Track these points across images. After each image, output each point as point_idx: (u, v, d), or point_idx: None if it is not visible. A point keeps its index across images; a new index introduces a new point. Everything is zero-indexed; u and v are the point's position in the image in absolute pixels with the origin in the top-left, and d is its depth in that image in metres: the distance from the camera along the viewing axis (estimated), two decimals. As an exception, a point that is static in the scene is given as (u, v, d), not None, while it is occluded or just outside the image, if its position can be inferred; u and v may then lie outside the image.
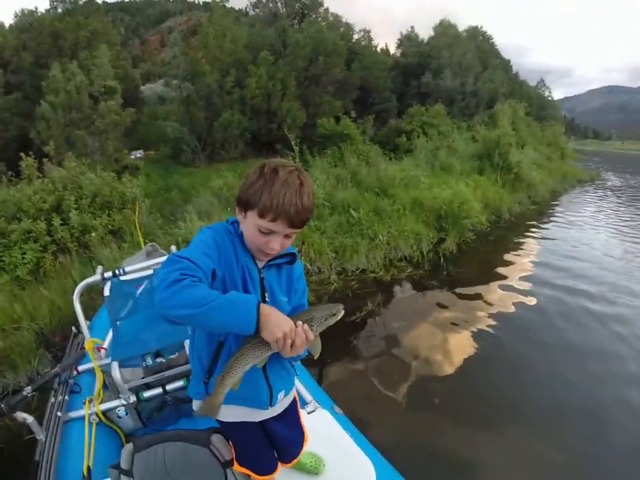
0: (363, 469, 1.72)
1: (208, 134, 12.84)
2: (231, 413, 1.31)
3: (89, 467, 1.84)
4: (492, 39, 24.78)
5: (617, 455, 2.71)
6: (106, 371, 2.44)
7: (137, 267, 2.80)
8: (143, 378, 2.51)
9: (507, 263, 6.31)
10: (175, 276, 0.96)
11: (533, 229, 8.30)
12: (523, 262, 6.32)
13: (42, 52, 12.80)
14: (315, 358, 1.15)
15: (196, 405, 1.33)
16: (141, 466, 1.35)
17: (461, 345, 3.95)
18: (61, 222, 5.37)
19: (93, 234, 5.49)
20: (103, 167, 7.48)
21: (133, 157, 11.85)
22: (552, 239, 7.59)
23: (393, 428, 2.90)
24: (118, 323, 2.70)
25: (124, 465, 1.36)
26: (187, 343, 2.43)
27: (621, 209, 11.06)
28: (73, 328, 3.18)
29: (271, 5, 17.24)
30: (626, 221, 9.46)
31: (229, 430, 1.39)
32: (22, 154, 6.60)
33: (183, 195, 8.98)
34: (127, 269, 2.77)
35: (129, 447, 1.34)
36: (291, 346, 1.01)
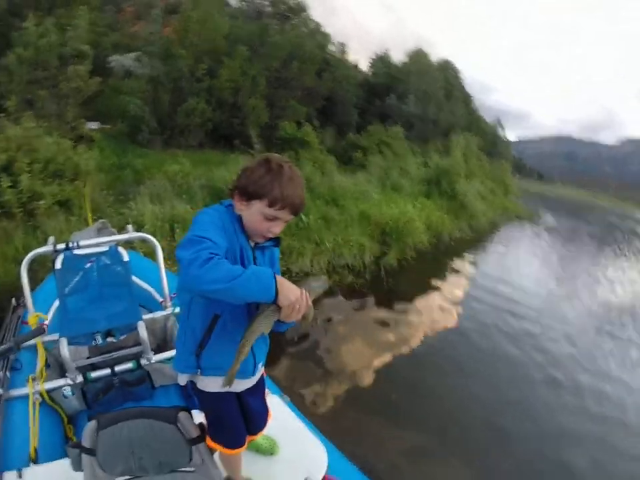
0: (315, 451, 1.80)
1: (170, 118, 12.52)
2: (213, 384, 1.39)
3: (35, 448, 1.82)
4: (459, 72, 25.96)
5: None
6: (47, 348, 2.37)
7: (92, 242, 2.75)
8: (88, 357, 2.44)
9: (442, 283, 6.75)
10: (205, 255, 1.08)
11: (470, 255, 8.84)
12: (456, 283, 6.79)
13: (18, 1, 12.13)
14: (309, 321, 1.29)
15: (182, 379, 1.43)
16: (104, 443, 1.32)
17: (386, 358, 4.18)
18: (9, 185, 5.05)
19: (42, 202, 5.22)
20: (59, 133, 7.15)
21: (88, 127, 11.28)
22: (485, 266, 8.15)
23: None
24: (67, 298, 2.59)
25: (86, 443, 1.32)
26: (140, 324, 2.39)
27: (553, 246, 11.89)
28: (13, 300, 3.06)
29: (257, 1, 17.25)
30: (556, 257, 10.24)
31: (209, 401, 1.46)
32: None
33: (135, 175, 8.76)
34: (82, 243, 2.70)
35: (92, 424, 1.30)
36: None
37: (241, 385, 1.45)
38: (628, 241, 17.24)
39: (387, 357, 4.14)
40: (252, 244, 1.36)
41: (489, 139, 29.42)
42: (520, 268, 8.34)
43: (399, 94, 19.33)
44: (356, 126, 18.05)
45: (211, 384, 1.39)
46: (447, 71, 23.92)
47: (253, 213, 1.29)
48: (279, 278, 1.16)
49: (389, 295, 5.84)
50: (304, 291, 1.19)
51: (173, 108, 12.41)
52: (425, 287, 6.51)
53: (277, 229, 1.31)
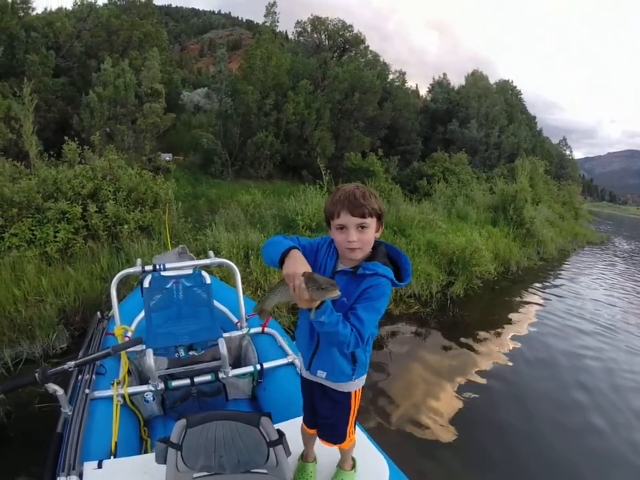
0: (377, 464, 1.83)
1: (240, 150, 13.21)
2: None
3: (116, 443, 1.99)
4: (520, 94, 25.45)
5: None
6: (129, 357, 2.61)
7: (177, 265, 3.01)
8: (167, 368, 2.67)
9: (509, 314, 6.49)
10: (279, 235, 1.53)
11: (538, 285, 8.47)
12: (524, 315, 6.52)
13: (94, 44, 13.24)
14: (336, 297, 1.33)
15: None
16: (191, 441, 1.41)
17: (450, 391, 4.06)
18: (96, 210, 5.51)
19: (125, 226, 5.63)
20: (139, 165, 7.68)
21: (163, 159, 12.19)
22: (554, 297, 7.75)
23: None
24: (152, 314, 2.89)
25: (174, 438, 1.41)
26: (220, 341, 2.56)
27: (626, 275, 11.21)
28: (98, 313, 3.32)
29: (315, 35, 17.95)
30: (629, 289, 9.65)
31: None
32: (66, 137, 6.80)
33: (209, 204, 9.33)
34: (168, 265, 2.95)
35: (181, 422, 1.40)
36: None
37: (304, 372, 1.69)
38: None
39: (449, 389, 4.07)
40: (339, 268, 1.52)
41: (555, 161, 28.49)
42: (591, 298, 7.91)
43: (461, 119, 19.25)
44: (420, 154, 18.13)
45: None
46: (507, 92, 23.55)
47: (333, 232, 1.48)
48: (293, 253, 1.39)
49: (455, 324, 5.73)
50: (299, 273, 1.30)
51: (243, 141, 13.07)
52: (492, 317, 6.32)
53: (351, 236, 1.41)
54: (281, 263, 1.39)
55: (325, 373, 1.58)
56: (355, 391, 1.62)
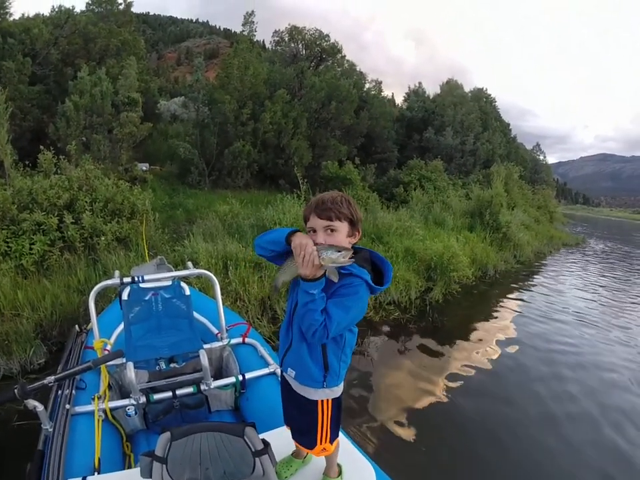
0: (363, 472, 1.83)
1: (217, 159, 13.17)
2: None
3: (99, 459, 1.96)
4: (495, 101, 26.00)
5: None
6: (109, 371, 2.56)
7: (156, 277, 3.00)
8: (149, 381, 2.65)
9: (488, 318, 6.61)
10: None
11: (515, 287, 8.66)
12: (503, 318, 6.65)
13: (71, 51, 13.13)
14: (335, 280, 1.45)
15: None
16: (176, 453, 1.41)
17: (432, 396, 4.09)
18: (72, 221, 5.45)
19: (102, 238, 5.56)
20: (115, 175, 7.65)
21: (140, 169, 12.16)
22: (532, 299, 7.91)
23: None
24: (132, 326, 2.86)
25: (159, 452, 1.41)
26: (201, 352, 2.56)
27: (602, 275, 11.47)
28: (76, 326, 3.24)
29: (292, 45, 18.04)
30: (604, 286, 9.91)
31: None
32: (42, 147, 6.71)
33: (187, 214, 9.25)
34: (146, 277, 2.94)
35: (166, 435, 1.40)
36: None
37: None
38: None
39: (430, 393, 4.08)
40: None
41: (529, 166, 29.14)
42: (567, 302, 8.10)
43: (437, 127, 19.57)
44: (396, 161, 18.37)
45: None
46: (482, 99, 24.05)
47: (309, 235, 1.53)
48: (301, 233, 1.46)
49: (435, 329, 5.78)
50: (311, 243, 1.38)
51: (220, 150, 13.03)
52: (472, 321, 6.42)
53: (318, 238, 1.47)
54: (287, 242, 1.45)
55: (294, 372, 1.61)
56: (323, 400, 1.61)
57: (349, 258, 1.39)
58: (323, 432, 1.64)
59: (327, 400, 1.61)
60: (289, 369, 1.63)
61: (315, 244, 1.40)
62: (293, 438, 1.75)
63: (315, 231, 1.50)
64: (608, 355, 5.60)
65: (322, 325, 1.41)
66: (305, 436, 1.67)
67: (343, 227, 1.49)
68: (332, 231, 1.47)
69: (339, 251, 1.37)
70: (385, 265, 1.57)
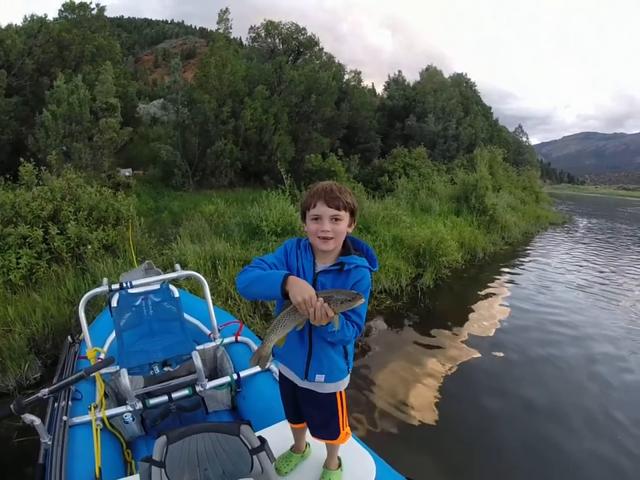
0: (363, 462, 1.83)
1: (199, 160, 13.09)
2: (281, 367, 1.74)
3: (100, 468, 1.95)
4: (475, 86, 26.12)
5: None
6: (104, 379, 2.55)
7: (144, 282, 2.97)
8: (144, 387, 2.64)
9: (479, 300, 6.67)
10: (245, 268, 1.47)
11: (505, 269, 8.73)
12: (493, 300, 6.73)
13: (46, 60, 12.98)
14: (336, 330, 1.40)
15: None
16: (174, 456, 1.41)
17: (428, 382, 4.12)
18: (58, 232, 5.40)
19: (89, 247, 5.51)
20: (98, 182, 7.54)
21: (123, 174, 12.03)
22: (522, 280, 7.99)
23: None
24: (123, 333, 2.82)
25: (156, 456, 1.40)
26: (194, 354, 2.55)
27: (589, 251, 11.63)
28: (69, 337, 3.21)
29: (269, 40, 17.90)
30: (593, 262, 10.06)
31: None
32: (22, 159, 6.63)
33: (173, 217, 9.19)
34: (135, 282, 2.92)
35: (162, 439, 1.40)
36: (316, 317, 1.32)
37: (288, 374, 1.70)
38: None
39: (426, 379, 4.10)
40: (320, 267, 1.53)
41: (512, 148, 29.39)
42: (557, 280, 8.18)
43: (418, 114, 19.62)
44: (380, 151, 18.38)
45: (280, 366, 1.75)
46: (462, 84, 24.13)
47: (308, 224, 1.52)
48: (293, 279, 1.36)
49: (427, 315, 5.82)
50: (321, 300, 1.30)
51: (202, 151, 12.96)
52: (463, 305, 6.50)
53: (325, 226, 1.46)
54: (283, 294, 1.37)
55: (324, 376, 1.60)
56: (340, 391, 1.66)
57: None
58: (342, 418, 1.70)
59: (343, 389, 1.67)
60: (316, 375, 1.59)
61: (324, 296, 1.33)
62: (313, 435, 1.75)
63: (318, 218, 1.48)
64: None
65: (354, 331, 1.47)
66: (327, 428, 1.70)
67: (346, 216, 1.51)
68: (337, 220, 1.48)
69: (350, 299, 1.35)
70: (364, 246, 1.61)
